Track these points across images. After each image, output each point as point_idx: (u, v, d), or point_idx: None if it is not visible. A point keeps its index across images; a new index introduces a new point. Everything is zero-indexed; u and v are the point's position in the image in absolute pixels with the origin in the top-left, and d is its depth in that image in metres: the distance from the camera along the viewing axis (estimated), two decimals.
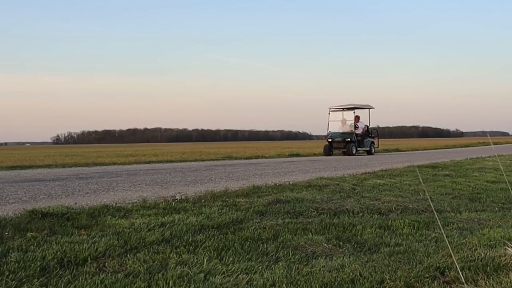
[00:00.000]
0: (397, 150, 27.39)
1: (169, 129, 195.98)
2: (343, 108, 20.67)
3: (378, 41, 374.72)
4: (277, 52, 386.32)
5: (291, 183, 6.73)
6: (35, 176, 8.98)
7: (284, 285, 2.42)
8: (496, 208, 5.03)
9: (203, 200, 4.92)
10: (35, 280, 2.42)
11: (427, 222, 4.11)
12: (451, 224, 4.10)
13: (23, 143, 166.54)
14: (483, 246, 3.14)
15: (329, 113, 20.69)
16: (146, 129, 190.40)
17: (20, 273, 2.48)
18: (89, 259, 2.78)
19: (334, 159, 15.75)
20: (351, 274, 2.58)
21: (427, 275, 2.56)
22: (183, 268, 2.66)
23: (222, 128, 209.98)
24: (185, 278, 2.49)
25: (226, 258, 2.89)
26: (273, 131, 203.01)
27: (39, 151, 34.94)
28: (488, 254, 2.89)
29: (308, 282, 2.46)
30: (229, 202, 4.81)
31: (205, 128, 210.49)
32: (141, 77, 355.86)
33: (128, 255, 2.90)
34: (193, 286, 2.40)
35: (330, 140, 19.76)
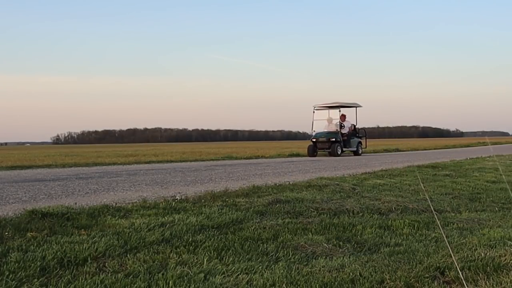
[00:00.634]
0: (397, 150, 27.41)
1: (169, 129, 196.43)
2: (328, 107, 19.54)
3: (378, 41, 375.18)
4: (277, 52, 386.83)
5: (291, 183, 6.73)
6: (35, 176, 8.98)
7: (284, 285, 2.42)
8: (496, 208, 5.03)
9: (203, 200, 4.92)
10: (35, 280, 2.42)
11: (427, 222, 4.11)
12: (451, 224, 4.09)
13: (23, 143, 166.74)
14: (483, 246, 3.14)
15: (313, 112, 19.47)
16: (146, 129, 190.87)
17: (20, 273, 2.48)
18: (89, 259, 2.78)
19: (334, 159, 15.75)
20: (351, 274, 2.58)
21: (427, 275, 2.56)
22: (183, 268, 2.66)
23: (222, 128, 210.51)
24: (185, 278, 2.49)
25: (226, 258, 2.89)
26: (273, 131, 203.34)
27: (39, 151, 34.94)
28: (488, 254, 2.89)
29: (308, 282, 2.46)
30: (229, 202, 4.81)
31: (205, 128, 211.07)
32: (141, 77, 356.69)
33: (128, 255, 2.90)
34: (193, 286, 2.40)
35: (314, 140, 18.66)
